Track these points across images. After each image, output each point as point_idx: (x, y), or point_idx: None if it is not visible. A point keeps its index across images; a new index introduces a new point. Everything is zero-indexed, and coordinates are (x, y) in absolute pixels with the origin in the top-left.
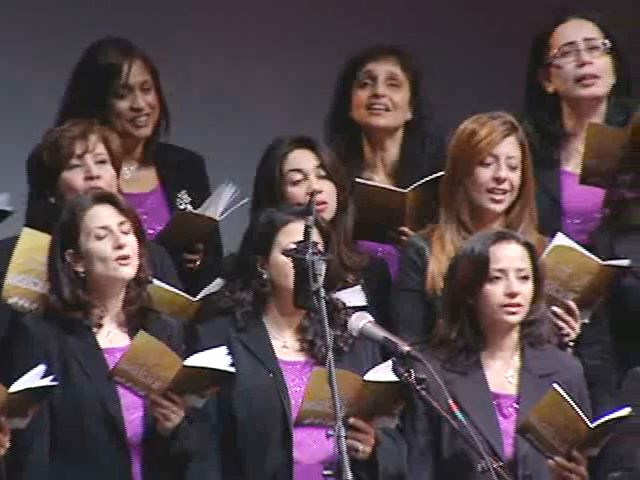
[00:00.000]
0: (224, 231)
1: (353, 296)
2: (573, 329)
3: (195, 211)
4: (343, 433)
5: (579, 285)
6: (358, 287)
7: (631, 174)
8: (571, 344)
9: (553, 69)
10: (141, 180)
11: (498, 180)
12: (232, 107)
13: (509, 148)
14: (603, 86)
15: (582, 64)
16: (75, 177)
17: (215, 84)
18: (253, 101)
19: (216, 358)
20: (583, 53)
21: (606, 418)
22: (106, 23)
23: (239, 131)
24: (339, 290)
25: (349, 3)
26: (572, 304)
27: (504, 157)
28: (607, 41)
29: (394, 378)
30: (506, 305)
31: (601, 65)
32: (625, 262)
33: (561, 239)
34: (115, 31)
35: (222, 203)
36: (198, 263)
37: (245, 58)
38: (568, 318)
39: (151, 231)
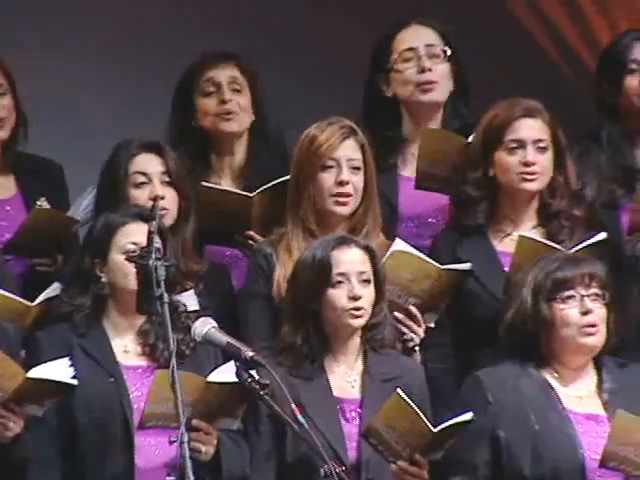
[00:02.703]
0: None
1: (186, 300)
2: (416, 333)
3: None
4: (186, 439)
5: (420, 290)
6: (191, 292)
7: (479, 173)
8: (416, 349)
9: (393, 74)
10: None
11: (341, 183)
12: (69, 109)
13: (349, 151)
14: (442, 92)
15: (422, 70)
16: None
17: (50, 85)
18: (96, 105)
19: (58, 370)
20: (424, 59)
21: (449, 423)
22: None
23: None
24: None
25: (195, 3)
26: (413, 309)
27: (345, 160)
28: (447, 48)
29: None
30: (350, 309)
31: (441, 71)
32: (466, 266)
33: (399, 245)
34: None
35: (82, 203)
36: (54, 268)
37: (84, 59)
38: (409, 323)
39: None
